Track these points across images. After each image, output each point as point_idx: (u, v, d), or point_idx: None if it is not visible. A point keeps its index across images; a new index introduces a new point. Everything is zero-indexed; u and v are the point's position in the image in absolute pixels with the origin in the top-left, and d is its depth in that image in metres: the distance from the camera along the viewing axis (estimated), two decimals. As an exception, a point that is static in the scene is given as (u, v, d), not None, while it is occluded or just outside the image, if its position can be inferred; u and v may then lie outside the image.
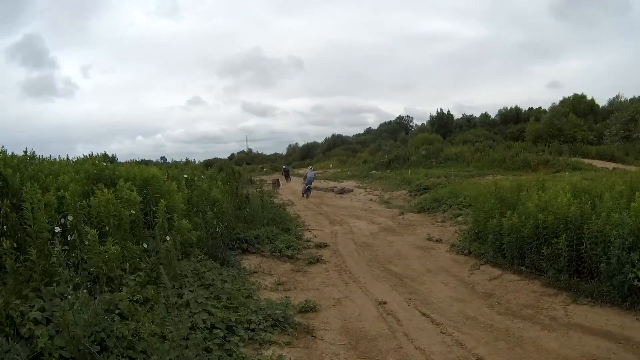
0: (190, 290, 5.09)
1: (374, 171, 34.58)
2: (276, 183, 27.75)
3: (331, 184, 29.45)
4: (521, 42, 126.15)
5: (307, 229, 12.32)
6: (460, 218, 12.59)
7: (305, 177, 23.49)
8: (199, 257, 6.37)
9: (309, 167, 27.58)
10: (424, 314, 5.86)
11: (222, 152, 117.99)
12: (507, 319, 5.65)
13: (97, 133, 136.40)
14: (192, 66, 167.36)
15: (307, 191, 22.30)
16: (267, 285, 6.97)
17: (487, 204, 8.80)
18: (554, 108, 46.73)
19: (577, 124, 39.32)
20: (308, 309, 5.88)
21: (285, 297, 6.26)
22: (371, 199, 20.50)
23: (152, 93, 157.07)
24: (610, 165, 27.29)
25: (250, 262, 8.05)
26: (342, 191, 23.97)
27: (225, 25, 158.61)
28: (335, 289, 7.00)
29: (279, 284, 7.11)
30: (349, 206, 18.31)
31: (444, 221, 12.87)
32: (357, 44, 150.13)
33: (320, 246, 9.98)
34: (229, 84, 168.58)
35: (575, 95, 49.06)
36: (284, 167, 41.96)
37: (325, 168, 50.65)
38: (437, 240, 10.45)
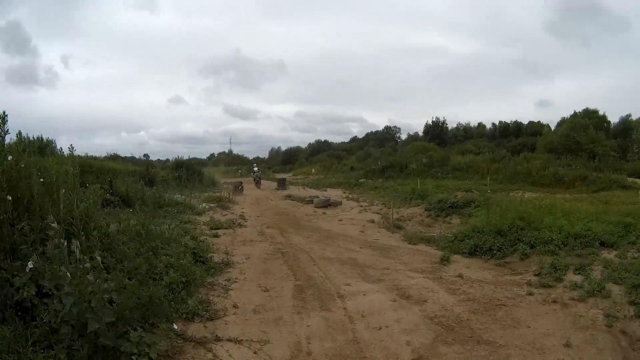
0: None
1: (364, 179, 28.96)
2: (238, 187, 23.07)
3: (312, 192, 22.71)
4: (513, 58, 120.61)
5: (215, 339, 4.50)
6: (577, 277, 6.66)
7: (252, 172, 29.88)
8: None
9: (254, 164, 31.78)
10: None
11: (205, 153, 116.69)
12: None
13: (80, 126, 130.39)
14: (173, 64, 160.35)
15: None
16: None
17: None
18: (571, 120, 43.26)
19: (597, 138, 35.32)
20: None
21: None
22: (372, 220, 12.91)
23: (135, 89, 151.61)
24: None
25: None
26: (327, 204, 16.59)
27: (207, 23, 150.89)
28: None
29: None
30: (338, 234, 10.64)
31: (547, 284, 6.52)
32: (345, 53, 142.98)
33: None
34: (210, 85, 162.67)
35: (587, 110, 45.99)
36: (254, 167, 33.17)
37: (307, 174, 45.70)
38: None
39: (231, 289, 5.97)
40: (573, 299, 5.87)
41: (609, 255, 7.54)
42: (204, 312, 4.91)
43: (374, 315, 5.21)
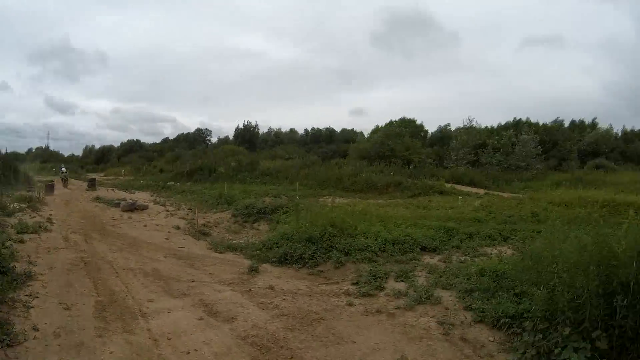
0: None
1: (173, 182, 28.68)
2: (50, 188, 21.70)
3: (121, 194, 22.06)
4: (333, 66, 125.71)
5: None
6: (400, 284, 6.69)
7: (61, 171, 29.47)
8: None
9: (62, 165, 35.11)
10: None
11: (25, 147, 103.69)
12: None
13: None
14: (4, 46, 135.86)
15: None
16: None
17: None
18: (386, 128, 45.40)
19: (412, 145, 37.77)
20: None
21: None
22: (178, 226, 12.76)
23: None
24: (476, 190, 24.06)
25: None
26: (133, 207, 16.04)
27: (41, 5, 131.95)
28: None
29: None
30: (143, 242, 10.35)
31: (368, 293, 6.39)
32: (164, 50, 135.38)
33: None
34: (36, 73, 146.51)
35: (404, 119, 48.78)
36: (62, 168, 31.88)
37: (117, 174, 44.09)
38: None
39: (32, 307, 5.33)
40: (399, 308, 5.71)
41: (432, 260, 7.74)
42: (5, 337, 4.35)
43: (180, 337, 4.88)
